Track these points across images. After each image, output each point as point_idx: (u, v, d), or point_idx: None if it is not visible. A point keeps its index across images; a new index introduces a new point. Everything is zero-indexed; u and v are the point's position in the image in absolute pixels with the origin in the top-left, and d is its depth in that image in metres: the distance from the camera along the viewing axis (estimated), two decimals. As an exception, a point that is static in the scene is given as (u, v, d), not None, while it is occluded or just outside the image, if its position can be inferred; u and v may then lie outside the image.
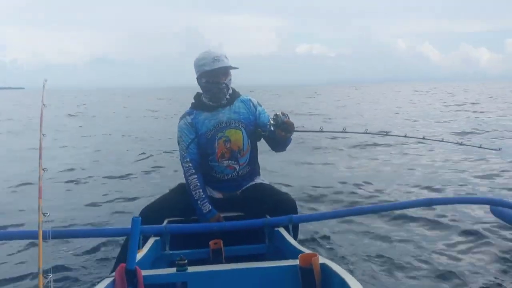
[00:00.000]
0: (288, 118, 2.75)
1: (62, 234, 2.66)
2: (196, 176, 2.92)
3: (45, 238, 1.26)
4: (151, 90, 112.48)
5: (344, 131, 2.94)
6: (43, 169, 1.47)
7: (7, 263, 3.64)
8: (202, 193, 2.89)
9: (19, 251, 3.77)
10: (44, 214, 1.31)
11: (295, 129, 2.76)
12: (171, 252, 2.76)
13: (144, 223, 2.71)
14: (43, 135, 1.63)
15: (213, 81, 2.93)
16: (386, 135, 3.46)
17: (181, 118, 3.06)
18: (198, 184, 2.90)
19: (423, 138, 3.34)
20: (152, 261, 2.50)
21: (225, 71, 2.95)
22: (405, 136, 3.37)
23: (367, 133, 3.10)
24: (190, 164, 2.93)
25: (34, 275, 3.19)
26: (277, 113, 2.77)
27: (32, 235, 2.56)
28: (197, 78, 3.00)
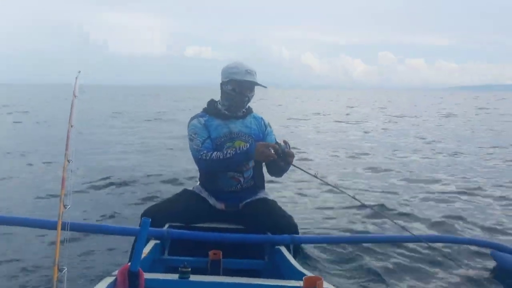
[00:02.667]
0: (289, 148, 2.80)
1: (80, 228, 2.70)
2: (215, 151, 2.91)
3: (63, 229, 1.25)
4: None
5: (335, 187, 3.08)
6: (68, 161, 1.47)
7: (25, 250, 3.73)
8: (228, 151, 2.87)
9: (37, 237, 3.87)
10: (65, 206, 1.31)
11: (293, 164, 2.83)
12: (169, 257, 2.75)
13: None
14: (72, 126, 1.64)
15: (239, 91, 2.98)
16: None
17: (194, 118, 3.10)
18: (220, 154, 2.87)
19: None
20: (150, 264, 2.49)
21: (253, 86, 3.02)
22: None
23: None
24: (207, 152, 2.92)
25: (48, 266, 3.22)
26: (280, 142, 2.83)
27: (51, 225, 2.59)
28: (222, 83, 3.04)
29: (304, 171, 2.93)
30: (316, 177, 2.89)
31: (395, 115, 25.50)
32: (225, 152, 2.88)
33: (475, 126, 18.40)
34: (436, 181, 7.49)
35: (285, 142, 2.83)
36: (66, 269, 1.09)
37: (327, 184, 3.11)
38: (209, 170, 2.97)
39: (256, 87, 3.07)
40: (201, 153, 2.91)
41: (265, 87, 3.09)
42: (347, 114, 25.73)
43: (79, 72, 2.06)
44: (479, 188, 6.85)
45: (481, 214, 5.54)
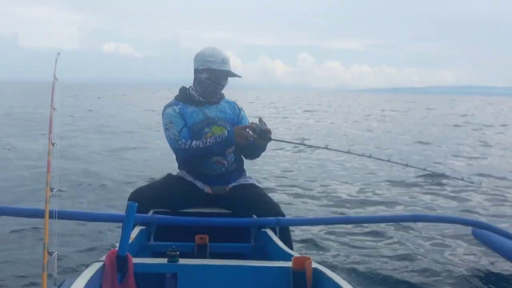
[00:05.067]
0: (265, 125, 2.77)
1: (67, 215, 2.64)
2: (194, 140, 2.86)
3: (51, 217, 1.23)
4: None
5: (326, 148, 3.06)
6: (52, 144, 1.44)
7: (14, 237, 3.78)
8: (207, 140, 2.84)
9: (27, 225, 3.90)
10: (51, 189, 1.29)
11: (273, 138, 2.81)
12: (155, 243, 2.73)
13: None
14: (54, 109, 1.60)
15: (215, 80, 2.94)
16: (370, 156, 3.43)
17: (167, 107, 3.03)
18: (200, 142, 2.83)
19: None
20: (137, 250, 2.46)
21: (229, 75, 2.99)
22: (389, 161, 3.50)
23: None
24: (186, 141, 2.86)
25: (38, 252, 3.23)
26: (256, 122, 2.79)
27: (39, 213, 2.54)
28: (196, 70, 2.98)
29: (288, 141, 2.97)
30: (302, 144, 2.92)
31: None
32: (204, 141, 2.84)
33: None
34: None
35: (260, 119, 2.80)
36: (56, 253, 1.08)
37: (317, 147, 3.16)
38: (190, 159, 2.92)
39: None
40: (179, 142, 2.86)
41: (240, 76, 3.06)
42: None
43: (59, 54, 2.02)
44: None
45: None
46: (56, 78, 1.79)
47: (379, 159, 3.63)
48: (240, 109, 3.15)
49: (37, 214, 2.60)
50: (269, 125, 2.82)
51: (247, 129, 2.75)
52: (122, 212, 3.04)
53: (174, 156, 3.01)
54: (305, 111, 29.19)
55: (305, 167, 8.09)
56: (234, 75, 3.00)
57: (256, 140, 2.77)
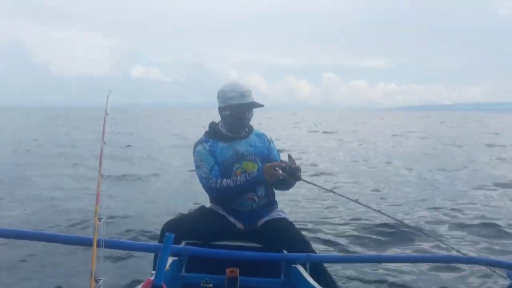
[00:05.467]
0: (294, 163, 2.77)
1: (113, 245, 2.75)
2: (225, 179, 2.88)
3: (98, 246, 1.30)
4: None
5: (356, 201, 2.86)
6: (102, 175, 1.52)
7: (62, 263, 3.89)
8: (238, 178, 2.86)
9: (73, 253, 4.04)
10: (99, 219, 1.36)
11: (303, 179, 2.79)
12: (186, 274, 2.74)
13: (161, 241, 2.75)
14: (104, 142, 1.69)
15: (238, 115, 2.95)
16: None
17: (198, 144, 3.03)
18: (230, 181, 2.85)
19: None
20: (169, 280, 2.48)
21: (251, 107, 2.97)
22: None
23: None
24: (216, 179, 2.88)
25: (85, 278, 3.37)
26: (285, 160, 2.81)
27: (86, 241, 2.66)
28: (219, 108, 3.01)
29: (316, 185, 2.90)
30: (332, 191, 2.86)
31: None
32: (235, 179, 2.84)
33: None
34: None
35: (289, 157, 2.80)
36: (102, 280, 1.15)
37: (346, 198, 2.94)
38: (221, 198, 2.96)
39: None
40: (210, 181, 2.87)
41: (262, 105, 2.99)
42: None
43: (110, 91, 2.14)
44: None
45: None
46: (107, 114, 1.90)
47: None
48: (269, 141, 3.15)
49: (86, 242, 2.70)
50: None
51: (277, 168, 2.75)
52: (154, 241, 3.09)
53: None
54: (324, 132, 28.22)
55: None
56: (256, 105, 2.97)
57: (285, 178, 2.77)
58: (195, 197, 6.34)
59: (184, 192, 7.90)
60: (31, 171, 10.04)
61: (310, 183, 2.85)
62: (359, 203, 2.81)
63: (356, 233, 5.48)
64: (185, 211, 4.28)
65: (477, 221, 6.11)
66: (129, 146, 16.03)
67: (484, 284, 3.94)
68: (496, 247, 5.00)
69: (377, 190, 8.43)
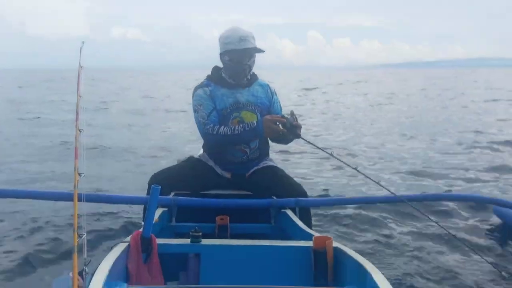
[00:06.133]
0: (296, 120, 2.69)
1: (95, 198, 2.73)
2: (222, 126, 2.84)
3: (80, 200, 1.29)
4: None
5: (356, 168, 2.71)
6: (79, 130, 1.49)
7: (45, 220, 3.90)
8: (236, 127, 2.81)
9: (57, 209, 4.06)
10: (79, 174, 1.35)
11: (301, 137, 2.70)
12: (176, 224, 2.78)
13: (149, 193, 2.75)
14: (80, 96, 1.65)
15: (237, 61, 2.86)
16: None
17: (198, 88, 2.98)
18: (228, 129, 2.81)
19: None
20: (159, 231, 2.52)
21: (250, 52, 2.87)
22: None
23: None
24: (214, 125, 2.84)
25: (69, 234, 3.46)
26: (287, 116, 2.72)
27: (68, 197, 2.64)
28: (220, 54, 2.92)
29: (315, 146, 2.81)
30: (332, 155, 2.70)
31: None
32: (232, 128, 2.80)
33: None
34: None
35: (291, 113, 2.72)
36: (85, 235, 1.14)
37: (343, 162, 2.83)
38: (215, 143, 2.92)
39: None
40: (207, 126, 2.84)
41: (263, 51, 2.92)
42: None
43: (83, 42, 2.06)
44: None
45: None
46: (81, 66, 1.84)
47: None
48: (273, 93, 3.07)
49: (67, 197, 2.69)
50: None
51: (278, 122, 2.68)
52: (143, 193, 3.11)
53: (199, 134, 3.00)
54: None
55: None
56: (255, 50, 2.89)
57: (285, 134, 2.72)
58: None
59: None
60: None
61: (309, 142, 2.76)
62: (359, 171, 2.67)
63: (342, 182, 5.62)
64: (173, 162, 4.28)
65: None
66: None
67: (471, 218, 4.09)
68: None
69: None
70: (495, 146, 8.44)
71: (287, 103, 16.87)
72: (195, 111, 2.95)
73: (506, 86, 30.86)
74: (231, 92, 2.94)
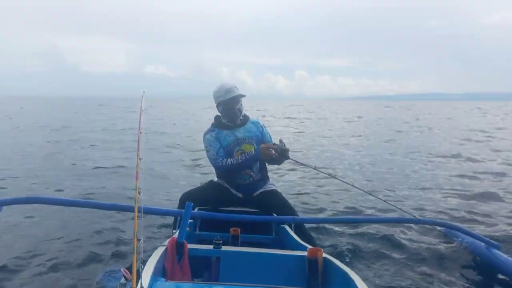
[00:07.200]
0: (284, 145, 2.87)
1: (149, 211, 2.85)
2: (229, 158, 3.00)
3: (139, 212, 1.37)
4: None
5: (334, 176, 3.01)
6: (140, 159, 1.59)
7: (108, 229, 3.89)
8: (239, 157, 2.97)
9: (115, 220, 4.07)
10: (139, 192, 1.43)
11: (290, 157, 2.88)
12: (199, 232, 2.86)
13: (180, 207, 2.83)
14: (141, 132, 1.76)
15: (228, 108, 3.04)
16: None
17: (207, 133, 3.13)
18: (233, 160, 2.97)
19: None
20: (186, 238, 2.61)
21: (236, 99, 3.05)
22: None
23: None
24: (222, 159, 3.00)
25: (128, 239, 3.50)
26: (277, 143, 2.89)
27: (129, 208, 2.75)
28: (216, 106, 3.13)
29: (302, 164, 2.96)
30: (315, 168, 2.95)
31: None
32: (236, 158, 2.96)
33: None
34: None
35: (280, 140, 2.89)
36: (142, 239, 1.22)
37: (327, 174, 3.07)
38: (225, 173, 3.06)
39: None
40: (218, 161, 2.99)
41: (244, 95, 3.08)
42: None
43: (144, 92, 2.19)
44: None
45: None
46: (142, 110, 1.95)
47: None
48: (262, 127, 3.23)
49: (129, 209, 2.81)
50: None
51: (270, 149, 2.86)
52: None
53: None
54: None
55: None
56: (239, 96, 3.06)
57: (276, 157, 2.88)
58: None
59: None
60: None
61: (297, 162, 2.94)
62: (337, 178, 2.90)
63: (331, 201, 5.59)
64: (197, 184, 4.35)
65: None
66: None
67: (427, 239, 4.07)
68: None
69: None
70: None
71: (276, 128, 17.30)
72: (206, 151, 3.11)
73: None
74: (231, 132, 3.11)
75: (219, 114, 3.17)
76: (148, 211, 2.79)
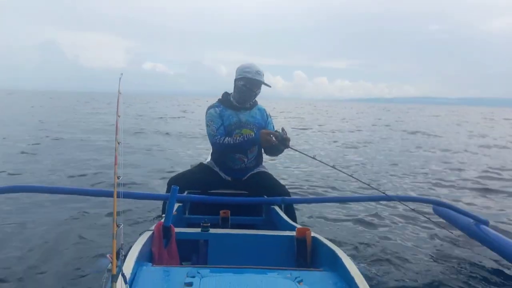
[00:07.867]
0: (286, 134, 2.79)
1: (129, 195, 2.77)
2: (227, 137, 2.92)
3: (118, 196, 1.33)
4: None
5: (333, 167, 2.89)
6: (118, 143, 1.54)
7: (88, 214, 3.84)
8: (237, 138, 2.89)
9: (96, 205, 4.01)
10: (118, 177, 1.39)
11: (291, 147, 2.79)
12: (189, 216, 2.84)
13: (168, 191, 2.78)
14: (119, 116, 1.70)
15: (249, 87, 2.94)
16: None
17: (210, 108, 3.04)
18: (231, 139, 2.89)
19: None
20: (175, 222, 2.56)
21: (260, 84, 2.99)
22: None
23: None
24: (220, 137, 2.93)
25: (108, 225, 3.46)
26: (279, 131, 2.81)
27: (108, 193, 2.68)
28: (235, 79, 3.00)
29: (302, 153, 2.90)
30: (314, 158, 2.83)
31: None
32: (235, 138, 2.88)
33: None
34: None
35: (282, 129, 2.82)
36: (122, 225, 1.18)
37: (325, 164, 2.96)
38: (221, 151, 3.00)
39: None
40: (216, 138, 2.92)
41: (269, 86, 3.03)
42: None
43: (121, 74, 2.13)
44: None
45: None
46: (120, 93, 1.90)
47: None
48: (268, 115, 3.16)
49: (108, 194, 2.74)
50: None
51: (271, 135, 2.78)
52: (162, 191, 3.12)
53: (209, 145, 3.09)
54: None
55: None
56: (265, 84, 3.00)
57: (276, 145, 2.79)
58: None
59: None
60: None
61: (297, 150, 2.86)
62: (336, 169, 2.86)
63: (324, 184, 5.62)
64: (187, 167, 4.32)
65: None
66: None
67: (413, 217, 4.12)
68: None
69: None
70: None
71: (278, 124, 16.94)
72: (207, 125, 3.03)
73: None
74: (235, 113, 3.02)
75: (228, 92, 3.09)
76: (129, 196, 2.72)
